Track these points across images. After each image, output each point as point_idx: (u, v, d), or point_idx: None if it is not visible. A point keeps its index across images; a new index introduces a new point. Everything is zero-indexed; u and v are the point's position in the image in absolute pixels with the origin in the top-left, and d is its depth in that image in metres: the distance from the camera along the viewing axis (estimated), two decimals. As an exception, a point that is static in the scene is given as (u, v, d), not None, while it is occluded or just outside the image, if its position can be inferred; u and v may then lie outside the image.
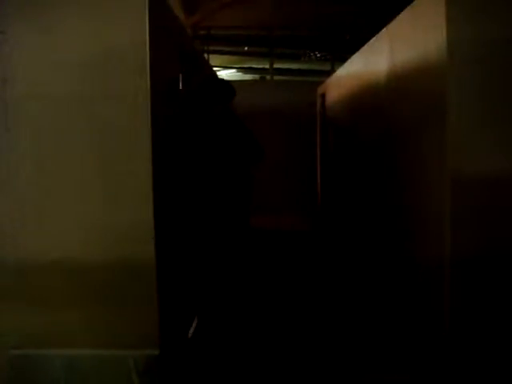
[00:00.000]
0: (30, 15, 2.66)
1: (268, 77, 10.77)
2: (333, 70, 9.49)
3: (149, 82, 2.63)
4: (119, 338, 2.74)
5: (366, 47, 4.48)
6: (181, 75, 3.56)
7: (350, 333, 3.65)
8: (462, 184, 2.67)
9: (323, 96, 7.23)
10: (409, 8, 3.23)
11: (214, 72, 6.53)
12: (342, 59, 9.43)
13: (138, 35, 2.61)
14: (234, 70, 11.71)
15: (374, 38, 4.18)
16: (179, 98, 3.50)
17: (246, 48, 10.51)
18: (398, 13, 3.43)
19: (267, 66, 10.50)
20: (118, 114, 2.66)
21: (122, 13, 2.63)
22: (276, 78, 10.33)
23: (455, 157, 2.68)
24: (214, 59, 9.97)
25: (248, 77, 12.14)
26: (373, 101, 4.17)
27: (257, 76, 12.01)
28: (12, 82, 2.68)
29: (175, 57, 3.37)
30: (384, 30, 3.80)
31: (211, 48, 9.93)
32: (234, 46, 10.47)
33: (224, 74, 11.39)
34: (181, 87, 3.56)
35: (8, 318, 2.75)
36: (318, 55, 10.86)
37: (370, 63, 4.31)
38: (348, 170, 5.23)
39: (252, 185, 4.05)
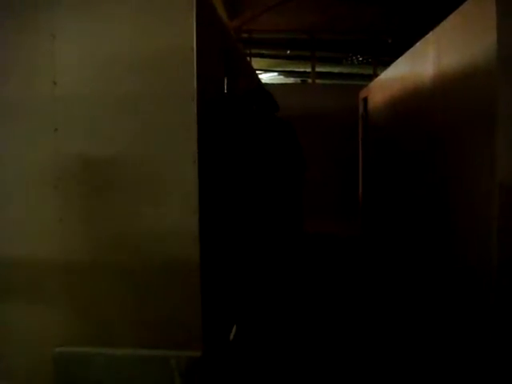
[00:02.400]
0: (79, 18, 2.73)
1: (309, 80, 10.75)
2: (375, 74, 9.41)
3: (195, 85, 2.65)
4: (162, 339, 2.76)
5: (411, 51, 4.43)
6: (226, 78, 3.59)
7: (393, 340, 3.60)
8: (510, 189, 2.63)
9: (365, 100, 7.18)
10: (456, 12, 3.18)
11: (257, 75, 6.55)
12: (384, 63, 9.36)
13: (185, 38, 2.64)
14: (275, 74, 11.73)
15: (419, 42, 4.13)
16: (224, 100, 3.53)
17: (288, 51, 10.51)
18: (442, 17, 3.38)
19: (308, 70, 10.47)
20: (165, 116, 2.69)
21: (169, 15, 2.67)
22: (317, 81, 10.30)
23: (504, 162, 2.64)
24: (255, 62, 10.01)
25: (289, 80, 12.14)
26: (418, 105, 4.12)
27: (298, 79, 12.00)
28: (61, 83, 2.75)
29: (221, 60, 3.41)
30: (430, 33, 3.75)
31: (253, 51, 9.97)
32: (276, 49, 10.48)
33: (265, 77, 11.43)
34: (225, 90, 3.59)
35: (53, 315, 2.82)
36: (360, 59, 10.77)
37: (415, 67, 4.26)
38: (392, 174, 5.17)
39: (300, 191, 4.05)
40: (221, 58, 3.41)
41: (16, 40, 2.77)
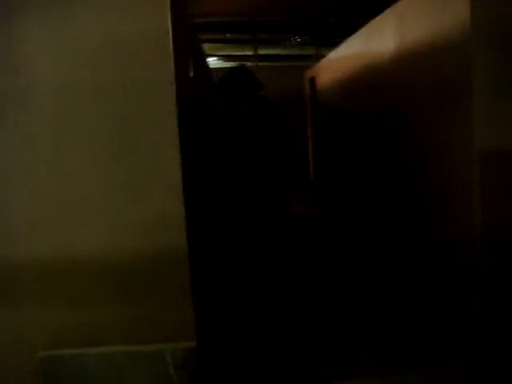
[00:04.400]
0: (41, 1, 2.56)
1: (248, 64, 10.74)
2: (317, 54, 9.49)
3: (173, 69, 2.57)
4: (154, 332, 2.67)
5: (365, 28, 4.48)
6: (191, 62, 3.51)
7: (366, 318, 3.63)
8: (490, 158, 2.71)
9: (313, 80, 7.22)
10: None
11: (206, 60, 6.44)
12: (327, 43, 9.45)
13: (160, 20, 2.54)
14: (215, 58, 11.60)
15: (375, 19, 4.18)
16: (191, 85, 3.45)
17: (227, 35, 10.42)
18: None
19: (247, 53, 10.45)
20: (143, 102, 2.59)
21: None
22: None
23: (482, 131, 2.72)
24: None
25: (228, 64, 12.04)
26: (377, 81, 4.17)
27: (236, 63, 11.89)
28: (24, 73, 2.57)
29: (187, 44, 3.32)
30: (389, 10, 3.80)
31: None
32: (216, 33, 10.35)
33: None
34: (192, 75, 3.52)
35: (34, 318, 2.66)
36: (298, 40, 10.81)
37: (373, 44, 4.30)
38: (350, 153, 5.24)
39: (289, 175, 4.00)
40: (187, 41, 3.33)
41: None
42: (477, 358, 2.74)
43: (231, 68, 4.16)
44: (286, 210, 3.99)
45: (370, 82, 4.41)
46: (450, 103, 2.96)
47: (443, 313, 3.15)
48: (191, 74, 3.49)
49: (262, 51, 10.50)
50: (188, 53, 3.38)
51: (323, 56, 8.91)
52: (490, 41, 2.67)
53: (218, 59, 11.61)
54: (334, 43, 9.49)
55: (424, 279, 3.41)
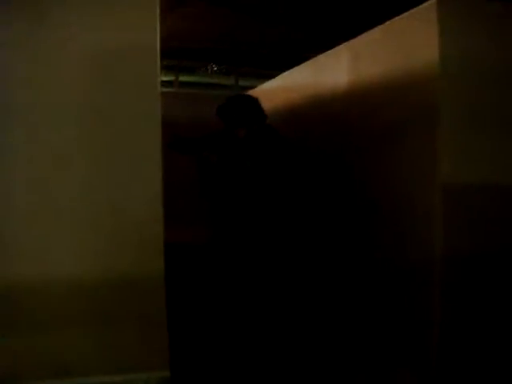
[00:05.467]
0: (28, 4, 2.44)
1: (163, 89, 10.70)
2: (237, 84, 9.62)
3: (159, 81, 2.54)
4: (127, 361, 2.55)
5: (313, 62, 4.63)
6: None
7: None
8: (454, 190, 2.88)
9: (240, 109, 7.28)
10: (383, 26, 3.41)
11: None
12: (248, 74, 9.62)
13: (150, 34, 2.53)
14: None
15: (324, 54, 4.34)
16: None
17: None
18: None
19: (166, 79, 10.39)
20: (129, 113, 2.55)
21: (132, 11, 2.52)
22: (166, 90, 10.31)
23: (447, 164, 2.89)
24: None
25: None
26: (326, 112, 4.28)
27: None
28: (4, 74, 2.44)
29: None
30: (342, 46, 3.97)
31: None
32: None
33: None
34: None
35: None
36: (215, 68, 10.91)
37: (322, 78, 4.43)
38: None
39: None
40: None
41: None
42: (436, 377, 2.85)
43: (237, 94, 4.18)
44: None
45: (315, 116, 4.52)
46: (413, 137, 3.11)
47: (403, 335, 3.24)
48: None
49: (182, 78, 10.50)
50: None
51: (244, 87, 9.09)
52: (457, 78, 2.86)
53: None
54: (258, 74, 9.77)
55: (384, 304, 3.49)
